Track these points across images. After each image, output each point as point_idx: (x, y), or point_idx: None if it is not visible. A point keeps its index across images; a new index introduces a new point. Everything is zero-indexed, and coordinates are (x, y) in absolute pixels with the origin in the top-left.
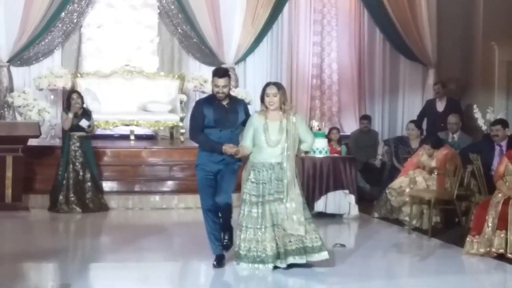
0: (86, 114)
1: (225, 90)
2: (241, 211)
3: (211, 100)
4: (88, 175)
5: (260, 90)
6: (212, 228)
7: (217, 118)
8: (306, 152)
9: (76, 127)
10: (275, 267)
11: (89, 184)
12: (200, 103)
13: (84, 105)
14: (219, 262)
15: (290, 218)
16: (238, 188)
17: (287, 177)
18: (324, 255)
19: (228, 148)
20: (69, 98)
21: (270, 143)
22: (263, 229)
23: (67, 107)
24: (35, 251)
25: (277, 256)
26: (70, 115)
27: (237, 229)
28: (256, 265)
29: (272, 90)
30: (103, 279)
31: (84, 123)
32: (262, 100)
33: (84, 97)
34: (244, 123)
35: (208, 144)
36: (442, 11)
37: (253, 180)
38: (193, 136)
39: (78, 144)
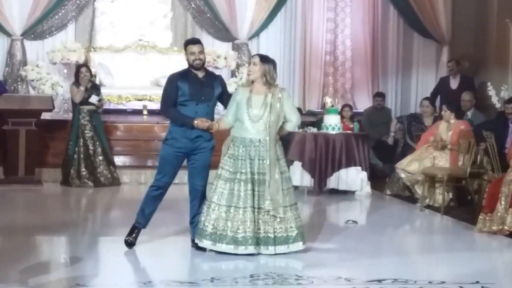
0: (95, 88)
1: (202, 56)
2: (213, 186)
3: (186, 73)
4: (99, 149)
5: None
6: (149, 207)
7: (192, 92)
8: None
9: (85, 102)
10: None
11: (100, 158)
12: (174, 77)
13: (93, 79)
14: (131, 233)
15: (271, 199)
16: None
17: (270, 156)
18: (297, 246)
19: (200, 123)
20: (78, 72)
21: (253, 118)
22: (239, 209)
23: (76, 81)
24: (48, 224)
25: (256, 241)
26: (82, 87)
27: (205, 205)
28: (221, 245)
29: (254, 59)
30: (115, 252)
31: (93, 98)
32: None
33: (97, 71)
34: (220, 98)
35: (179, 118)
36: None
37: (230, 155)
38: (164, 110)
39: (87, 118)
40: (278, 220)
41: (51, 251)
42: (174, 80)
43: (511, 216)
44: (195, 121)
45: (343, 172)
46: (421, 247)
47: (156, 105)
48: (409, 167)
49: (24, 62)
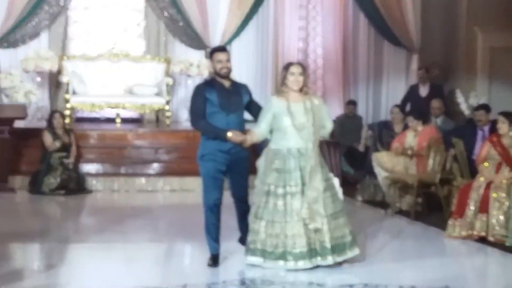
0: (67, 134)
1: (229, 65)
2: (263, 204)
3: (212, 83)
4: (73, 180)
5: (245, 74)
6: (211, 229)
7: (221, 102)
8: None
9: (58, 149)
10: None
11: (72, 184)
12: (200, 87)
13: (66, 126)
14: (215, 261)
15: (309, 208)
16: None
17: (311, 163)
18: (354, 251)
19: (234, 136)
20: (51, 118)
21: (298, 126)
22: (292, 223)
23: (48, 126)
24: (21, 232)
25: (310, 253)
26: (57, 143)
27: (255, 223)
28: (283, 262)
29: (298, 69)
30: (89, 259)
31: (66, 160)
32: (283, 80)
33: (71, 80)
34: (247, 107)
35: (211, 131)
36: None
37: (278, 169)
38: (194, 123)
39: (61, 167)
40: (317, 229)
41: (24, 259)
42: (201, 91)
43: (480, 221)
44: (229, 134)
45: None
46: (392, 252)
47: (129, 113)
48: (386, 164)
49: None
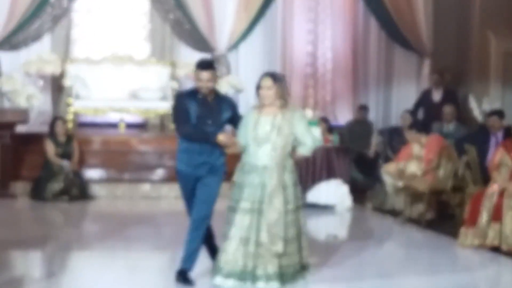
0: (70, 140)
1: (209, 85)
2: (226, 219)
3: (194, 94)
4: (75, 186)
5: (252, 78)
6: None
7: (199, 115)
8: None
9: (60, 155)
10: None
11: (75, 190)
12: (182, 96)
13: (69, 132)
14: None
15: (268, 231)
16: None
17: (272, 182)
18: (300, 282)
19: (225, 138)
20: (53, 125)
21: (258, 141)
22: (242, 241)
23: (50, 133)
24: (22, 239)
25: (243, 275)
26: (59, 160)
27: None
28: (232, 281)
29: (266, 82)
30: (90, 267)
31: (66, 164)
32: (258, 92)
33: (74, 84)
34: (231, 121)
35: (200, 134)
36: None
37: (239, 183)
38: (181, 128)
39: (63, 174)
40: (278, 254)
41: (25, 266)
42: (182, 100)
43: (493, 230)
44: (220, 136)
45: (323, 186)
46: (402, 262)
47: (133, 118)
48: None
49: None
